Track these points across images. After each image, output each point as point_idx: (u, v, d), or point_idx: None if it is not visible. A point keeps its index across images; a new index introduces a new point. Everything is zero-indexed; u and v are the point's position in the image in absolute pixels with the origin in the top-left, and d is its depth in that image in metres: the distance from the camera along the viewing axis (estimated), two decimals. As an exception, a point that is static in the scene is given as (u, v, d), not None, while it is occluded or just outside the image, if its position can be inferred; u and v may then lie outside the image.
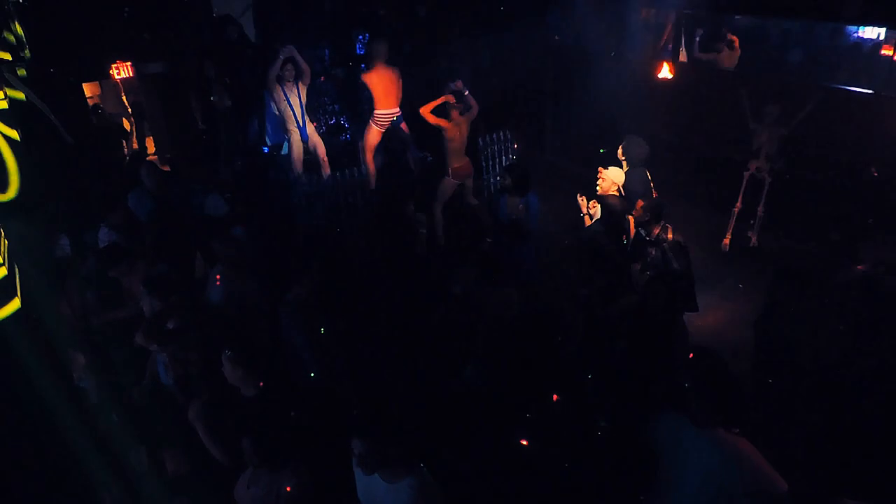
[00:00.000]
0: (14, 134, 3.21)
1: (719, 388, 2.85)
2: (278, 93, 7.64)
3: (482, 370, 4.13)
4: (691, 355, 3.69)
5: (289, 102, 7.69)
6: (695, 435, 2.86)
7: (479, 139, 8.45)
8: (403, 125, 7.87)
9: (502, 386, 3.94)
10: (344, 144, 9.22)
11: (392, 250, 5.94)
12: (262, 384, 3.60)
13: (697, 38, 9.16)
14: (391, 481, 2.78)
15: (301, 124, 7.88)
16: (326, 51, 9.54)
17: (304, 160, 8.08)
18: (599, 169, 5.77)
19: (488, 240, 6.73)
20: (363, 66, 8.17)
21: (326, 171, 8.11)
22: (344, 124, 9.42)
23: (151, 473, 4.13)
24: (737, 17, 9.21)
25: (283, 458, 3.15)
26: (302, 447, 3.31)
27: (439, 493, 2.84)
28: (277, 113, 7.94)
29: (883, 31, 8.36)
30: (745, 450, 2.77)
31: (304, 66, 7.57)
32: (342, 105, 9.39)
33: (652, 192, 5.77)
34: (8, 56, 3.28)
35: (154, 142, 11.44)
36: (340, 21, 9.59)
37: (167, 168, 8.84)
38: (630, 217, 5.61)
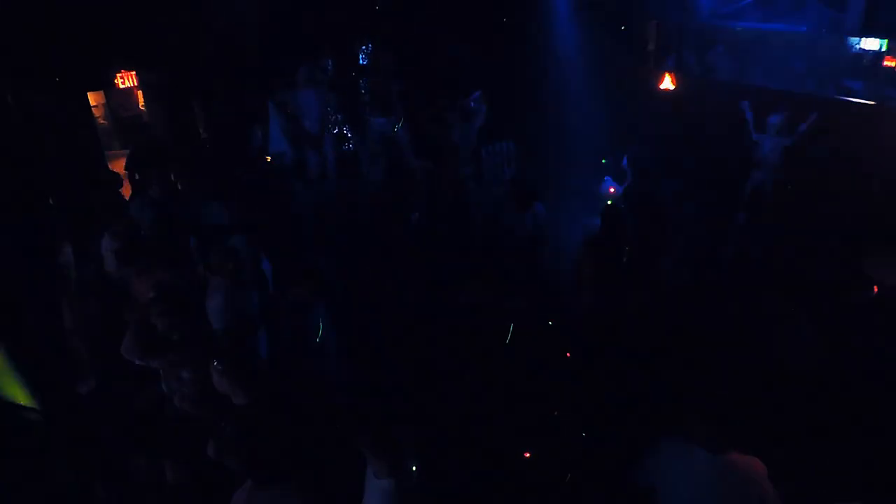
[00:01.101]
0: None
1: (729, 410, 2.71)
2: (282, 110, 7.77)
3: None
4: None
5: (292, 116, 7.77)
6: (704, 459, 2.68)
7: (483, 149, 8.47)
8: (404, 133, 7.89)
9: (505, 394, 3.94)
10: (346, 153, 9.22)
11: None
12: (252, 396, 3.55)
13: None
14: (375, 475, 2.82)
15: (302, 134, 7.91)
16: (329, 60, 9.57)
17: (306, 168, 8.10)
18: None
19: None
20: (364, 74, 8.22)
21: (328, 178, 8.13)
22: (346, 133, 9.43)
23: (152, 482, 4.11)
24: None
25: (286, 471, 2.99)
26: (307, 459, 3.23)
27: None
28: (280, 123, 7.98)
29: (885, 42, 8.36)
30: (758, 473, 2.64)
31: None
32: (345, 114, 9.40)
33: None
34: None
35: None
36: (343, 31, 9.63)
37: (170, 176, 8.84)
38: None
